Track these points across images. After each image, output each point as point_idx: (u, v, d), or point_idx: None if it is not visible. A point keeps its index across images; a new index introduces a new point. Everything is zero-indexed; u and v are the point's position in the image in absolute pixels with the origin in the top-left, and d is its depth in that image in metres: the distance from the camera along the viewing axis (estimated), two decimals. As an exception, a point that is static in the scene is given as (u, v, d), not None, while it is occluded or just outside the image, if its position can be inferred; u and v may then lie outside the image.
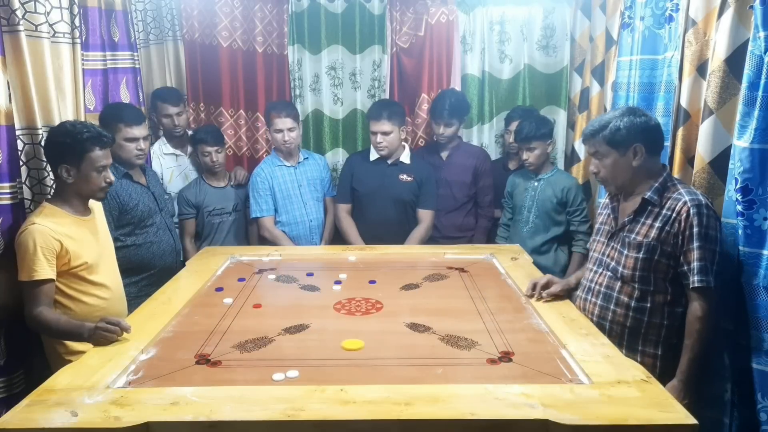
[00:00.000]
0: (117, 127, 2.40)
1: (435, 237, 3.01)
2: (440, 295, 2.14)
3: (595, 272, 2.00)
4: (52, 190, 2.11)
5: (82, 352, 1.69)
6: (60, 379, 1.45)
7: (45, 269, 1.82)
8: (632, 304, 1.86)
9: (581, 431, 1.25)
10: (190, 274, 2.32)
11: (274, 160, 3.01)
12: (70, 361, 1.64)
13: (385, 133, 2.85)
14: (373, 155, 2.97)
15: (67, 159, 1.90)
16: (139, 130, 2.46)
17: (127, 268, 2.30)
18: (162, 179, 2.99)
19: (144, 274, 2.45)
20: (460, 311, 1.94)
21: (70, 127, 1.94)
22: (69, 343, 1.91)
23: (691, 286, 1.74)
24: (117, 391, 1.40)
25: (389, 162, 2.95)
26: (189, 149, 3.13)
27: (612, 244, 1.95)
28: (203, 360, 1.59)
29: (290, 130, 2.89)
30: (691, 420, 1.26)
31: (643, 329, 1.85)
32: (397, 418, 1.28)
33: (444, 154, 3.10)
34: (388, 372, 1.55)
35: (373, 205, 2.93)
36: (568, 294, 2.05)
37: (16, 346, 2.07)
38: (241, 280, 2.24)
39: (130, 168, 2.49)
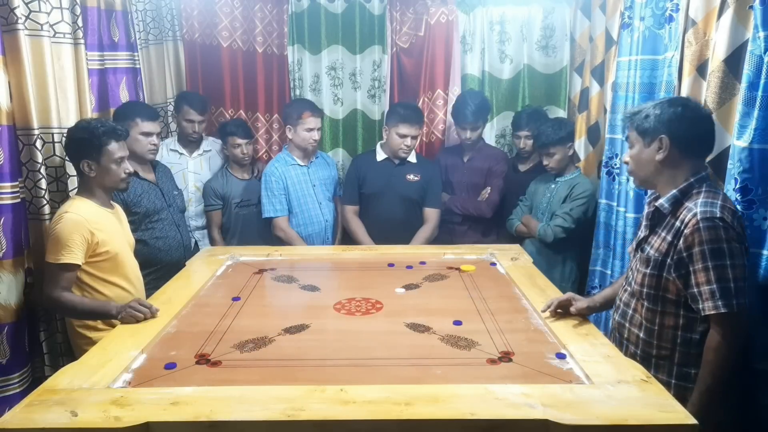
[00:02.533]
0: (134, 121, 2.51)
1: (454, 242, 2.97)
2: (440, 295, 2.13)
3: (623, 288, 1.83)
4: (54, 190, 2.19)
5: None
6: (60, 379, 1.45)
7: (73, 254, 1.93)
8: (643, 324, 1.69)
9: (581, 431, 1.25)
10: (191, 274, 2.32)
11: (287, 158, 2.96)
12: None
13: (415, 138, 2.89)
14: (380, 155, 2.97)
15: (88, 154, 2.01)
16: (154, 126, 2.58)
17: None
18: None
19: (150, 269, 2.48)
20: (460, 311, 1.94)
21: (86, 124, 2.06)
22: (91, 334, 2.03)
23: (702, 314, 1.54)
24: (117, 391, 1.40)
25: (396, 162, 2.96)
26: (197, 152, 3.12)
27: (637, 255, 1.76)
28: (203, 360, 1.59)
29: (319, 129, 2.93)
30: (691, 420, 1.26)
31: (654, 353, 1.67)
32: (397, 418, 1.28)
33: (466, 157, 3.09)
34: (388, 372, 1.55)
35: (381, 205, 2.95)
36: (590, 312, 1.88)
37: (18, 346, 2.07)
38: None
39: (140, 163, 2.57)
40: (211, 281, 2.26)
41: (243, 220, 3.02)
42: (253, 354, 1.64)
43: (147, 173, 2.61)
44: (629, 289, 1.78)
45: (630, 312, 1.75)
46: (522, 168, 3.13)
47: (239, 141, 2.96)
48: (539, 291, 2.08)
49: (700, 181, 1.63)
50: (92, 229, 1.98)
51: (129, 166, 2.12)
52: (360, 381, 1.46)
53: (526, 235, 2.87)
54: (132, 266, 2.18)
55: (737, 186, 1.72)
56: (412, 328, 1.80)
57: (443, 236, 3.03)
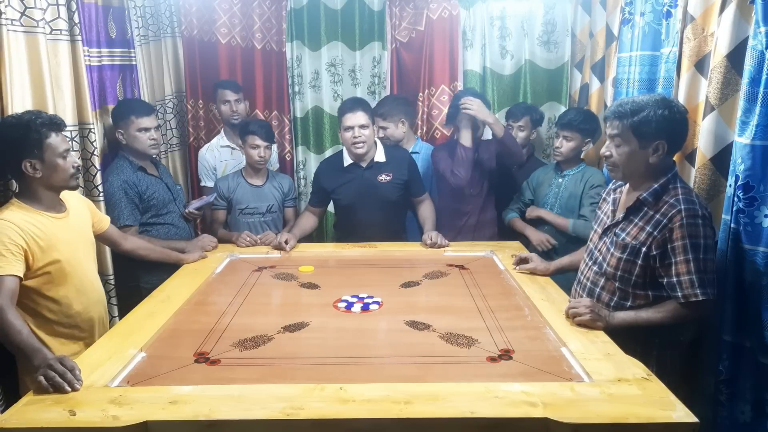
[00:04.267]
0: (129, 119, 2.50)
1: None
2: (440, 292, 2.13)
3: (586, 264, 1.97)
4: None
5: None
6: (58, 377, 1.44)
7: (9, 264, 1.66)
8: (612, 303, 1.83)
9: (581, 430, 1.24)
10: (189, 272, 2.32)
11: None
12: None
13: (363, 127, 2.65)
14: (347, 160, 2.77)
15: (28, 152, 1.75)
16: (150, 121, 2.55)
17: None
18: (215, 171, 3.12)
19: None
20: (460, 309, 1.94)
21: (16, 120, 1.78)
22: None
23: (680, 301, 1.69)
24: (115, 390, 1.40)
25: (364, 165, 2.76)
26: None
27: (604, 238, 1.89)
28: (202, 358, 1.59)
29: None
30: (691, 418, 1.26)
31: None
32: (396, 416, 1.27)
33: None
34: (388, 370, 1.54)
35: (360, 213, 2.79)
36: (545, 273, 2.21)
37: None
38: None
39: (142, 160, 2.59)
40: (210, 279, 2.25)
41: (246, 228, 2.85)
42: (252, 352, 1.63)
43: (152, 170, 2.66)
44: (595, 268, 1.91)
45: (597, 290, 1.89)
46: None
47: (259, 142, 2.76)
48: (539, 288, 2.07)
49: (674, 177, 1.77)
50: (25, 236, 1.72)
51: (77, 159, 1.88)
52: (359, 379, 1.45)
53: (521, 230, 2.79)
54: (86, 273, 1.93)
55: (739, 183, 1.72)
56: (411, 326, 1.80)
57: (444, 234, 2.99)
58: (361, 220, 2.80)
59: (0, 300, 1.61)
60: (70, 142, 2.22)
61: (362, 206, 2.78)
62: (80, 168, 1.90)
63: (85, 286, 1.91)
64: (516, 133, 3.00)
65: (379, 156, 2.79)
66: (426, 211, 2.85)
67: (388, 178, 2.77)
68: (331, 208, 3.11)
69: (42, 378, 1.38)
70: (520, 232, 2.82)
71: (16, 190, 1.89)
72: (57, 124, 1.81)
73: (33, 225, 1.76)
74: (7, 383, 1.90)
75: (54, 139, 1.78)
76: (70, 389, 1.37)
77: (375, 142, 2.80)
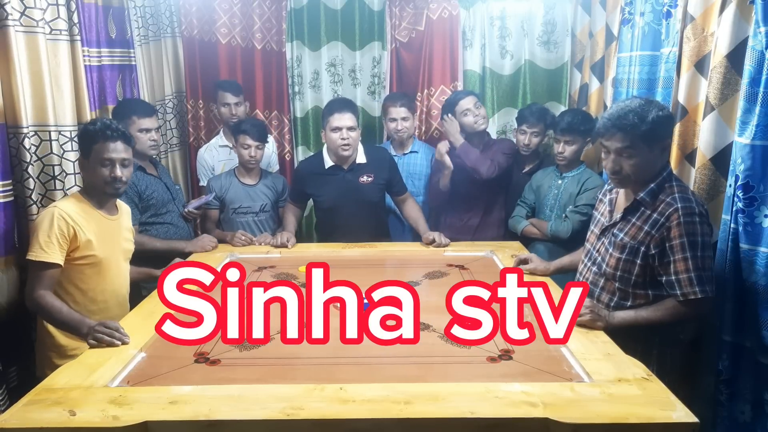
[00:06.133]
0: (130, 119, 2.53)
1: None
2: (440, 292, 2.12)
3: (585, 265, 1.97)
4: (33, 191, 2.17)
5: (74, 356, 1.66)
6: (58, 378, 1.45)
7: (55, 253, 1.83)
8: (612, 303, 1.83)
9: (582, 430, 1.24)
10: (189, 272, 2.31)
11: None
12: (57, 366, 1.59)
13: (351, 129, 2.62)
14: (328, 162, 2.72)
15: (81, 151, 1.96)
16: (151, 122, 2.58)
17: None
18: (213, 170, 3.11)
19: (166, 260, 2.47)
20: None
21: (87, 122, 2.05)
22: (63, 343, 1.92)
23: (679, 300, 1.69)
24: (115, 390, 1.39)
25: (346, 167, 2.72)
26: None
27: (603, 239, 1.89)
28: (202, 358, 1.59)
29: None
30: (692, 418, 1.25)
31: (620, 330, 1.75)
32: (396, 416, 1.27)
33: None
34: (388, 370, 1.54)
35: (343, 215, 2.76)
36: (545, 273, 2.20)
37: (9, 341, 2.05)
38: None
39: (141, 160, 2.60)
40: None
41: (239, 227, 2.86)
42: (252, 352, 1.63)
43: (151, 169, 2.67)
44: (594, 269, 1.91)
45: (597, 291, 1.89)
46: (523, 168, 3.01)
47: (250, 142, 2.74)
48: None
49: (669, 175, 1.76)
50: (75, 227, 1.86)
51: (117, 172, 1.93)
52: (359, 379, 1.45)
53: (536, 237, 2.75)
54: (119, 276, 2.06)
55: (739, 183, 1.72)
56: (411, 326, 1.79)
57: (444, 233, 2.98)
58: (343, 222, 2.76)
59: (41, 288, 1.82)
60: (122, 154, 2.04)
61: (344, 208, 2.74)
62: (118, 179, 1.94)
63: (112, 286, 2.03)
64: (530, 139, 2.89)
65: (360, 157, 2.75)
66: (414, 210, 2.83)
67: (369, 179, 2.74)
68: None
69: (93, 341, 1.64)
70: (538, 238, 2.75)
71: (70, 190, 2.16)
72: (107, 135, 1.91)
73: (83, 218, 1.91)
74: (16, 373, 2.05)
75: (100, 146, 1.90)
76: (120, 343, 1.63)
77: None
